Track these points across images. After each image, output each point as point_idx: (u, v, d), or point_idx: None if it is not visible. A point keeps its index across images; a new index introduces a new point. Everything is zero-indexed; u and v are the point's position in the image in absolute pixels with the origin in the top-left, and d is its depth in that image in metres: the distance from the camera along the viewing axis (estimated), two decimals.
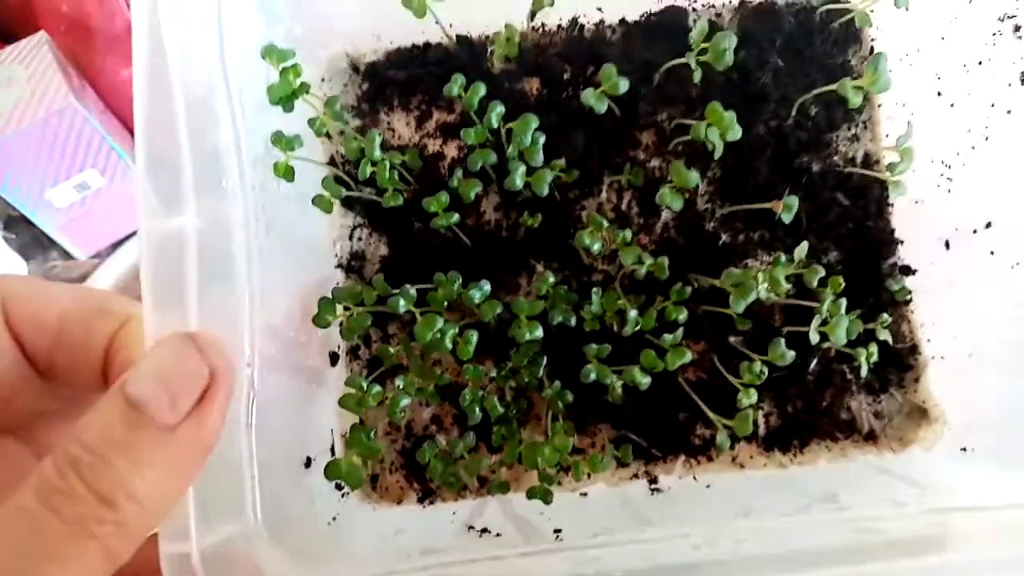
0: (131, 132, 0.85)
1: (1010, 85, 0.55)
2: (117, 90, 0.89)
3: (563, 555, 0.47)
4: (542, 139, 0.56)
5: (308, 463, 0.56)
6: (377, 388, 0.54)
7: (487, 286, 0.56)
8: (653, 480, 0.62)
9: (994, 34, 0.61)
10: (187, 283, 0.42)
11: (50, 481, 0.36)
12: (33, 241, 0.88)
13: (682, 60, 0.57)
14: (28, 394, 0.44)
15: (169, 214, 0.42)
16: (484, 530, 0.54)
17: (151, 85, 0.44)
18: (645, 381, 0.55)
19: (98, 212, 0.87)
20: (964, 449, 0.59)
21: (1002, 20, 0.62)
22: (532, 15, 0.63)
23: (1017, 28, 0.61)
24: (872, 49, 0.65)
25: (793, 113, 0.64)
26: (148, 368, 0.38)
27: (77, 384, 0.44)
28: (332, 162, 0.64)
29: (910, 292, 0.63)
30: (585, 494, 0.61)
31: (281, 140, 0.54)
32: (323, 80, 0.66)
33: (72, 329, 0.43)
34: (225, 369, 0.39)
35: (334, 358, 0.62)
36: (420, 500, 0.62)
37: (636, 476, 0.62)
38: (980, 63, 0.60)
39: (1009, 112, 0.56)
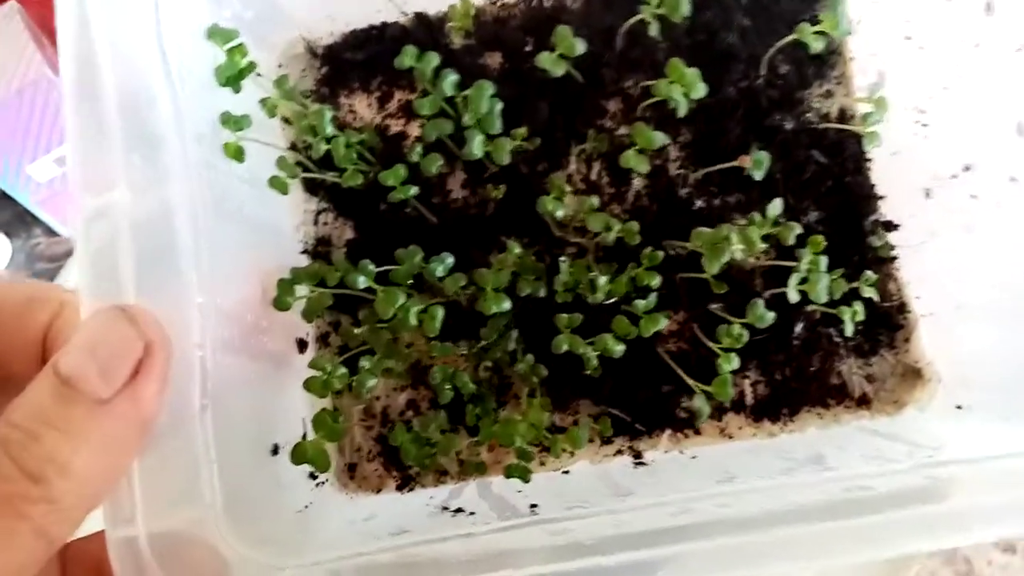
0: None
1: (975, 18, 0.53)
2: None
3: (536, 528, 0.45)
4: (499, 106, 0.55)
5: (276, 450, 0.54)
6: (343, 370, 0.53)
7: (450, 259, 0.54)
8: (638, 455, 0.60)
9: None
10: (122, 259, 0.40)
11: None
12: (15, 219, 0.86)
13: (640, 17, 0.55)
14: None
15: (99, 189, 0.41)
16: (459, 510, 0.52)
17: (78, 60, 0.43)
18: (619, 348, 0.53)
19: None
20: (959, 407, 0.57)
21: None
22: None
23: None
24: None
25: (763, 72, 0.62)
26: (79, 342, 0.37)
27: (16, 378, 0.42)
28: (294, 147, 0.63)
29: (894, 248, 0.61)
30: (567, 472, 0.59)
31: (230, 120, 0.52)
32: (279, 66, 0.65)
33: (6, 319, 0.41)
34: (160, 340, 0.38)
35: (302, 345, 0.60)
36: (399, 487, 0.60)
37: (620, 452, 0.60)
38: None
39: (977, 45, 0.54)
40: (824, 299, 0.54)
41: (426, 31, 0.64)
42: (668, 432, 0.61)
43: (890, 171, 0.60)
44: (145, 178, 0.43)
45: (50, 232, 0.85)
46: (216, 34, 0.52)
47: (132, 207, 0.42)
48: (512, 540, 0.45)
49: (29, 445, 0.34)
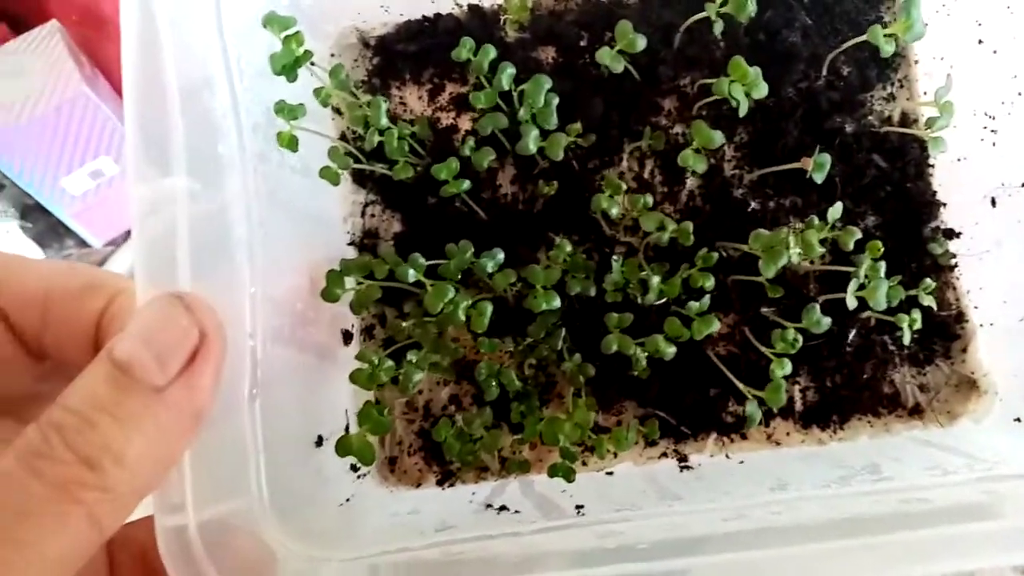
0: None
1: None
2: None
3: (584, 530, 0.44)
4: (555, 100, 0.54)
5: (320, 442, 0.54)
6: (389, 363, 0.52)
7: (500, 255, 0.53)
8: (683, 459, 0.59)
9: None
10: (179, 248, 0.40)
11: (32, 444, 0.34)
12: (49, 230, 0.88)
13: (703, 15, 0.54)
14: (20, 376, 0.42)
15: (158, 176, 0.41)
16: (503, 508, 0.51)
17: (140, 46, 0.42)
18: (670, 351, 0.52)
19: (112, 199, 0.86)
20: (1019, 419, 0.55)
21: None
22: None
23: None
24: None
25: (824, 73, 0.61)
26: (134, 329, 0.37)
27: (70, 364, 0.42)
28: (343, 138, 0.62)
29: (954, 256, 0.59)
30: (611, 473, 0.58)
31: (284, 109, 0.52)
32: (332, 56, 0.64)
33: (59, 306, 0.41)
34: (215, 329, 0.38)
35: (347, 336, 0.60)
36: (439, 483, 0.59)
37: (665, 455, 0.59)
38: None
39: None
40: (883, 306, 0.52)
41: (480, 23, 0.63)
42: (714, 436, 0.60)
43: (953, 177, 0.58)
44: (203, 166, 0.43)
45: (82, 244, 0.88)
46: (273, 21, 0.52)
47: (189, 195, 0.41)
48: (559, 540, 0.45)
49: (85, 431, 0.34)
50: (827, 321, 0.53)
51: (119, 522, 0.36)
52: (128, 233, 0.89)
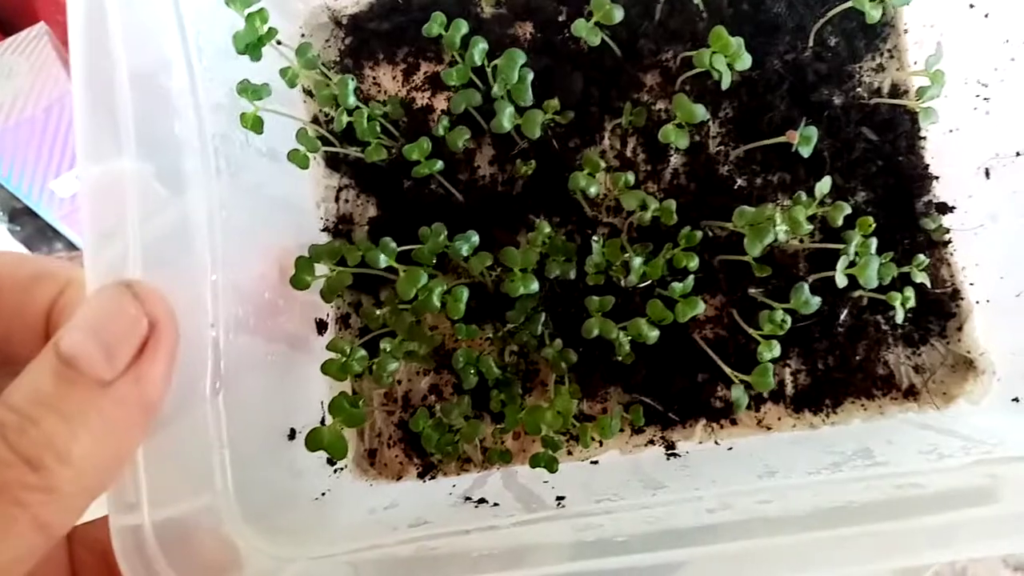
0: None
1: None
2: None
3: (562, 523, 0.42)
4: (530, 75, 0.52)
5: (292, 435, 0.52)
6: (362, 352, 0.50)
7: (475, 237, 0.51)
8: (670, 446, 0.57)
9: None
10: (130, 234, 0.38)
11: None
12: (37, 233, 0.86)
13: None
14: None
15: (108, 158, 0.39)
16: (482, 500, 0.49)
17: (89, 22, 0.40)
18: (653, 335, 0.50)
19: None
20: (1016, 399, 0.53)
21: None
22: None
23: None
24: None
25: (810, 43, 0.58)
26: (81, 321, 0.35)
27: (19, 357, 0.40)
28: (315, 120, 0.60)
29: (948, 231, 0.57)
30: (596, 463, 0.56)
31: (248, 89, 0.50)
32: (302, 36, 0.62)
33: (7, 296, 0.39)
34: (167, 318, 0.36)
35: (322, 326, 0.58)
36: (421, 475, 0.58)
37: (652, 442, 0.57)
38: None
39: None
40: (874, 284, 0.50)
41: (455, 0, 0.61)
42: (703, 422, 0.58)
43: (946, 149, 0.56)
44: (157, 147, 0.41)
45: (71, 246, 0.86)
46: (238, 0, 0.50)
47: (140, 177, 0.39)
48: (536, 534, 0.43)
49: (27, 429, 0.32)
50: (816, 301, 0.51)
51: (68, 523, 0.34)
52: None
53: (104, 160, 0.39)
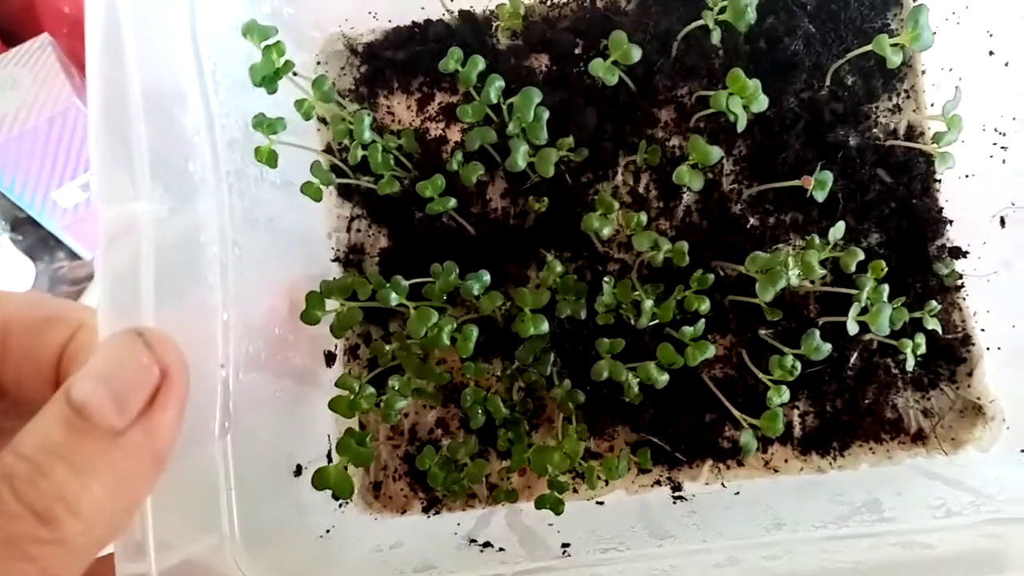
0: None
1: None
2: None
3: (567, 573, 0.42)
4: (546, 115, 0.52)
5: (298, 471, 0.52)
6: (371, 390, 0.50)
7: (486, 276, 0.51)
8: (677, 487, 0.56)
9: None
10: (143, 278, 0.38)
11: None
12: (39, 242, 0.87)
13: (700, 23, 0.52)
14: None
15: (123, 199, 0.38)
16: (487, 544, 0.49)
17: (105, 59, 0.40)
18: (662, 379, 0.50)
19: None
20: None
21: None
22: None
23: None
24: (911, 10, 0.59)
25: (827, 83, 0.58)
26: (92, 369, 0.35)
27: (29, 400, 0.40)
28: (328, 150, 0.60)
29: (961, 276, 0.57)
30: (601, 503, 0.56)
31: (263, 123, 0.50)
32: (318, 64, 0.62)
33: (18, 338, 0.39)
34: (178, 366, 0.35)
35: (330, 358, 0.58)
36: (425, 510, 0.57)
37: (658, 483, 0.57)
38: None
39: None
40: (886, 331, 0.50)
41: (471, 30, 0.61)
42: (709, 463, 0.58)
43: (961, 195, 0.56)
44: (172, 187, 0.41)
45: (73, 256, 0.87)
46: (253, 31, 0.50)
47: (157, 218, 0.39)
48: None
49: (37, 480, 0.32)
50: (827, 348, 0.50)
51: (76, 574, 0.34)
52: None
53: (119, 202, 0.39)
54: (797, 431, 0.58)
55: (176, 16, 0.45)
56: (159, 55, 0.43)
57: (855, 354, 0.57)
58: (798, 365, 0.51)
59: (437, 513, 0.57)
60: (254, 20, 0.50)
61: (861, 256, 0.52)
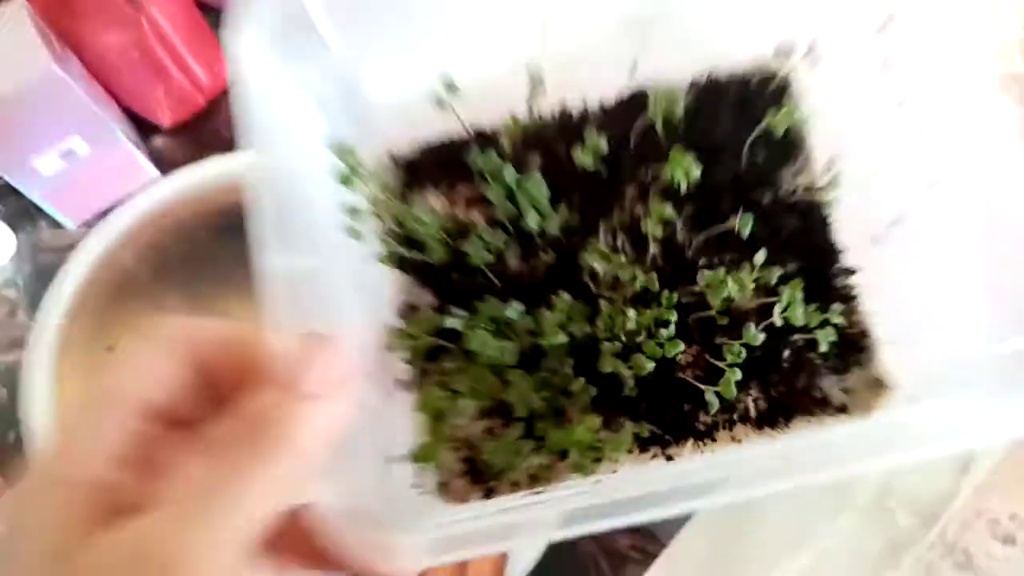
0: (116, 99, 1.00)
1: (891, 113, 0.72)
2: (100, 57, 0.92)
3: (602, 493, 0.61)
4: (547, 193, 0.73)
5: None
6: (443, 401, 0.69)
7: (520, 306, 0.71)
8: (669, 458, 0.75)
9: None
10: (299, 313, 0.57)
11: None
12: (20, 211, 0.91)
13: (649, 121, 0.75)
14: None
15: (283, 256, 0.58)
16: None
17: (262, 157, 0.60)
18: (649, 365, 0.70)
19: (84, 180, 0.88)
20: (911, 398, 0.73)
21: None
22: (529, 104, 0.81)
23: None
24: (800, 104, 0.83)
25: (744, 157, 0.81)
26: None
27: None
28: (389, 232, 0.81)
29: (854, 288, 0.79)
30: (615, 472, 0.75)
31: (351, 210, 0.70)
32: (375, 169, 0.84)
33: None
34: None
35: (403, 383, 0.77)
36: (484, 497, 0.75)
37: (655, 456, 0.76)
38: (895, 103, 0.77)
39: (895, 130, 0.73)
40: (802, 322, 0.71)
41: (484, 141, 0.83)
42: (691, 441, 0.77)
43: (847, 227, 0.78)
44: (310, 250, 0.61)
45: (55, 224, 0.90)
46: (339, 148, 0.71)
47: (302, 270, 0.59)
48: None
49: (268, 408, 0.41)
50: (762, 336, 0.71)
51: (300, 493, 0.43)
52: (102, 214, 0.93)
53: (282, 257, 0.59)
54: (752, 413, 0.77)
55: (293, 137, 0.66)
56: (291, 160, 0.64)
57: (787, 351, 0.78)
58: (743, 351, 0.71)
59: (491, 498, 0.75)
60: (340, 140, 0.72)
61: (779, 272, 0.73)
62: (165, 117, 1.05)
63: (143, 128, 1.07)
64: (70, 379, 0.86)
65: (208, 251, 0.93)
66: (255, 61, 0.59)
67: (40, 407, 0.84)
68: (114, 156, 0.91)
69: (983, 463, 0.88)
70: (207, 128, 1.07)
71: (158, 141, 1.07)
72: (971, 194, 0.64)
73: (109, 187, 0.94)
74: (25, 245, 0.91)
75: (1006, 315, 0.63)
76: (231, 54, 0.56)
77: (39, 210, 0.90)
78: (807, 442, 0.61)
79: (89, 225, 0.94)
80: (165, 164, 1.04)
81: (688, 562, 0.82)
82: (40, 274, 0.96)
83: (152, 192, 0.90)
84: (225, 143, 1.04)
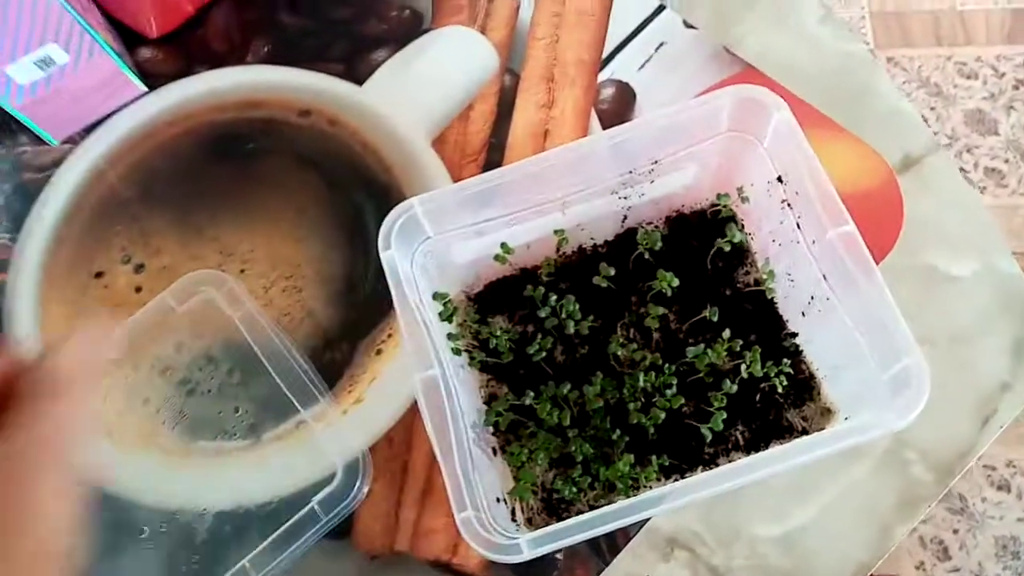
0: (98, 7, 0.92)
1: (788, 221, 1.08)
2: None
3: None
4: (578, 307, 1.09)
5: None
6: (526, 459, 1.03)
7: (569, 385, 1.06)
8: None
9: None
10: (430, 405, 0.92)
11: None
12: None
13: (640, 252, 1.11)
14: None
15: (422, 370, 0.93)
16: None
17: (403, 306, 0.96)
18: (662, 415, 1.03)
19: (65, 93, 0.82)
20: (847, 418, 1.07)
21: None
22: (557, 249, 1.17)
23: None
24: (743, 226, 1.19)
25: (709, 266, 1.17)
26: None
27: None
28: (473, 346, 1.16)
29: (798, 345, 1.13)
30: None
31: (451, 336, 1.06)
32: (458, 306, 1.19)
33: None
34: None
35: (498, 447, 1.10)
36: None
37: (675, 480, 1.08)
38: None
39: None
40: (760, 372, 1.05)
41: (528, 276, 1.19)
42: (700, 466, 1.09)
43: (784, 306, 1.13)
44: (435, 364, 0.96)
45: (37, 140, 0.84)
46: (439, 295, 1.07)
47: (438, 379, 0.94)
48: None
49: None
50: (735, 386, 1.05)
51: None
52: (86, 130, 0.89)
53: (423, 371, 0.94)
54: (741, 441, 1.10)
55: (415, 286, 1.03)
56: (414, 307, 1.00)
57: (758, 395, 1.11)
58: (725, 398, 1.05)
59: None
60: (437, 290, 1.08)
61: (742, 342, 1.07)
62: (151, 26, 0.96)
63: (129, 39, 0.98)
64: (55, 304, 0.82)
65: (198, 171, 0.88)
66: (394, 249, 0.97)
67: (24, 332, 0.80)
68: (96, 66, 0.83)
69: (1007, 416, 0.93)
70: (195, 38, 0.99)
71: (144, 52, 0.98)
72: (845, 284, 0.99)
73: (93, 101, 0.85)
74: (6, 162, 0.85)
75: (887, 351, 0.97)
76: (382, 245, 0.94)
77: (20, 125, 0.83)
78: (782, 448, 0.95)
79: (73, 142, 0.88)
80: (152, 77, 0.96)
81: (693, 508, 1.13)
82: (21, 192, 0.88)
83: (139, 108, 0.86)
84: (214, 56, 0.97)
